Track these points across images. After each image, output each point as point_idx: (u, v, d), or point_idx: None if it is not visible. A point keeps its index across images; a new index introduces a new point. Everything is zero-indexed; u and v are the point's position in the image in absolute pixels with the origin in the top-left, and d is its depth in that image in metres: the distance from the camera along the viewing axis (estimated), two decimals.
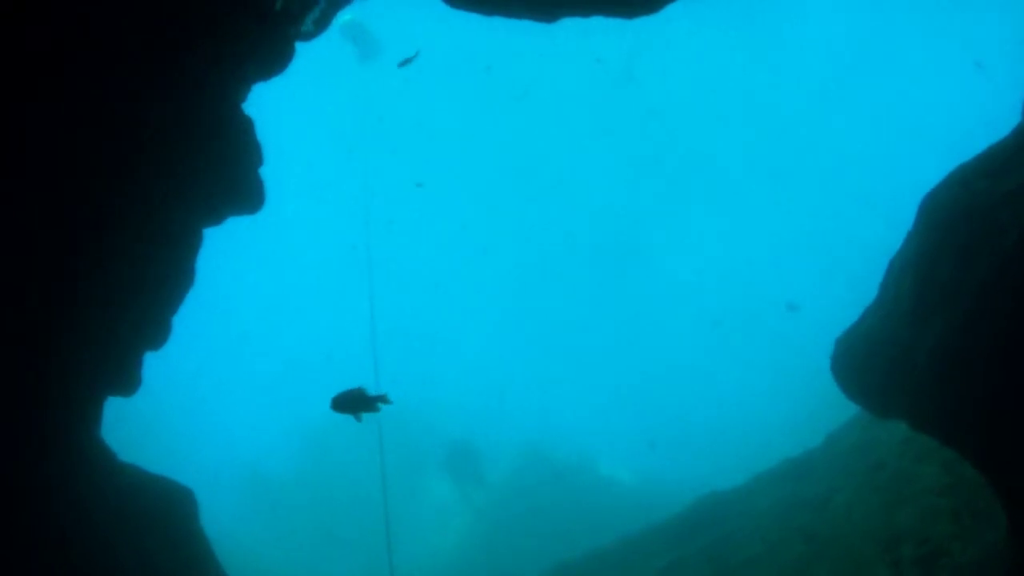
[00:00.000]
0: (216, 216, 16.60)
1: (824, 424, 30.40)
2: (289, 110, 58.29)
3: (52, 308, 13.33)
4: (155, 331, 16.48)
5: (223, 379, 74.32)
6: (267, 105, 20.21)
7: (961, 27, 77.14)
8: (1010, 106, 15.04)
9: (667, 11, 16.36)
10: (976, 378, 13.36)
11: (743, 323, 73.89)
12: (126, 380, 16.70)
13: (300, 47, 16.75)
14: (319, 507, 53.83)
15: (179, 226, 15.67)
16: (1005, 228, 13.10)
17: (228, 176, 15.86)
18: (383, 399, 13.40)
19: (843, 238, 72.79)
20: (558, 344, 78.09)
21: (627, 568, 28.34)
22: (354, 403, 12.48)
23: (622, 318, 79.72)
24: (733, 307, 77.06)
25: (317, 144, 77.06)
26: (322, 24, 17.48)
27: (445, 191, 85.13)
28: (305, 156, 76.62)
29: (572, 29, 19.21)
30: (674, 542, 28.55)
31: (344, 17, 52.31)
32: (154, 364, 18.02)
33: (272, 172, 17.70)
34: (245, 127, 16.33)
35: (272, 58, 15.73)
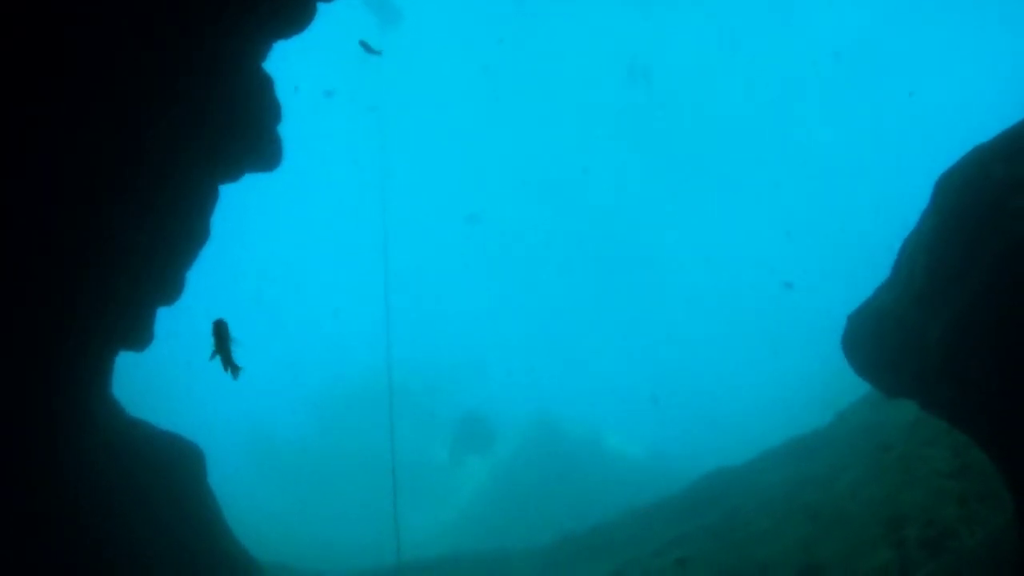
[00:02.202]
0: (233, 172, 16.58)
1: (832, 404, 30.43)
2: (308, 74, 58.39)
3: (67, 259, 13.35)
4: (169, 286, 16.50)
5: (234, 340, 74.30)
6: (287, 67, 20.21)
7: (968, 15, 77.11)
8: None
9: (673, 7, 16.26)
10: (986, 360, 13.32)
11: (751, 303, 73.76)
12: (139, 334, 16.75)
13: (322, 8, 16.65)
14: (327, 473, 54.04)
15: (196, 181, 15.64)
16: (1017, 214, 13.03)
17: (246, 132, 15.82)
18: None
19: (850, 221, 72.67)
20: (568, 320, 78.12)
21: (632, 542, 28.36)
22: (220, 338, 12.02)
23: (631, 295, 79.70)
24: (741, 287, 77.05)
25: (334, 110, 77.01)
26: None
27: (460, 167, 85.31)
28: (323, 121, 76.53)
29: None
30: (680, 517, 28.57)
31: None
32: (167, 322, 18.06)
33: (290, 135, 17.71)
34: (264, 85, 16.30)
35: (293, 15, 15.62)
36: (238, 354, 12.16)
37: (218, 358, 12.22)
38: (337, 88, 68.77)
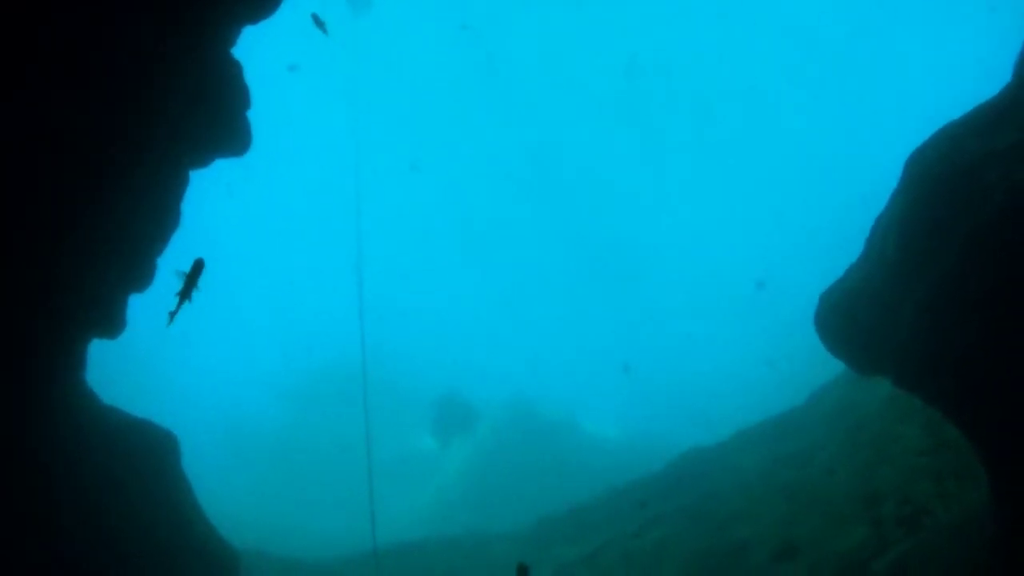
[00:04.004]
0: (203, 158, 16.48)
1: (807, 384, 30.51)
2: (278, 58, 58.13)
3: (38, 246, 13.22)
4: (140, 272, 16.38)
5: (208, 328, 74.21)
6: (256, 52, 20.07)
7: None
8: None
9: None
10: (960, 332, 13.35)
11: (726, 286, 74.02)
12: (111, 321, 16.62)
13: None
14: (304, 460, 53.92)
15: (166, 166, 15.53)
16: (992, 187, 13.05)
17: (216, 118, 15.74)
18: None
19: (826, 203, 72.97)
20: (544, 304, 78.25)
21: (609, 523, 28.41)
22: (194, 276, 11.97)
23: (607, 279, 79.86)
24: (716, 270, 77.32)
25: (306, 94, 76.83)
26: None
27: (433, 153, 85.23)
28: (294, 105, 76.28)
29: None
30: (657, 498, 28.62)
31: None
32: (141, 313, 17.95)
33: (261, 118, 17.60)
34: (233, 70, 16.19)
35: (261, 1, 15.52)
36: (195, 300, 12.19)
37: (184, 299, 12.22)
38: (301, 62, 68.04)
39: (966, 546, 16.20)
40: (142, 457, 17.84)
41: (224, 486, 42.84)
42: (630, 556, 25.08)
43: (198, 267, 12.14)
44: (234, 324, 76.23)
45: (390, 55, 77.29)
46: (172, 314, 12.15)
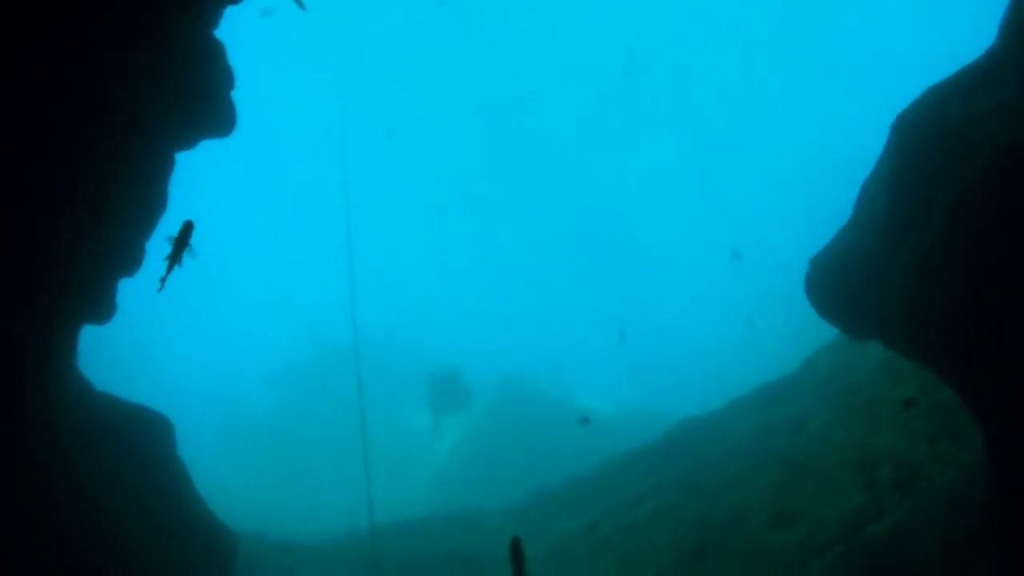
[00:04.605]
0: (189, 140, 16.42)
1: (798, 353, 30.56)
2: (264, 38, 57.90)
3: (25, 232, 13.16)
4: (129, 256, 16.32)
5: (201, 313, 74.23)
6: (241, 32, 20.03)
7: None
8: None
9: None
10: (949, 290, 13.36)
11: (717, 257, 74.05)
12: (100, 306, 16.57)
13: None
14: (301, 442, 54.00)
15: (152, 148, 15.47)
16: (976, 148, 13.05)
17: (199, 99, 15.69)
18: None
19: (814, 171, 73.00)
20: (536, 280, 78.23)
21: (606, 494, 28.46)
22: (184, 238, 11.87)
23: (599, 253, 79.88)
24: (707, 241, 77.37)
25: (293, 71, 76.65)
26: None
27: (424, 126, 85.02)
28: (281, 83, 76.06)
29: None
30: (651, 468, 28.68)
31: None
32: (132, 298, 17.92)
33: (247, 99, 17.56)
34: (216, 51, 16.13)
35: None
36: (185, 263, 12.09)
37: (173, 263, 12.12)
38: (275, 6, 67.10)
39: (962, 508, 16.24)
40: (136, 442, 17.81)
41: (221, 470, 42.94)
42: (627, 526, 25.14)
43: (187, 229, 12.04)
44: (227, 308, 76.28)
45: (375, 34, 77.15)
46: (163, 279, 12.03)
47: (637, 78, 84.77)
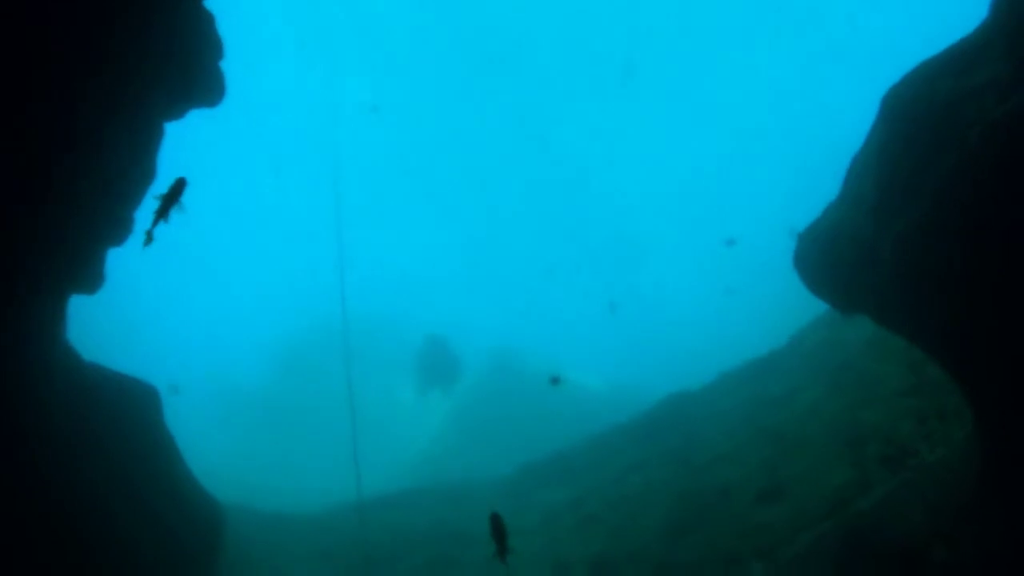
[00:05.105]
0: (177, 110, 16.31)
1: (788, 326, 30.56)
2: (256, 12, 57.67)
3: (11, 200, 13.08)
4: (117, 225, 16.23)
5: (192, 288, 74.24)
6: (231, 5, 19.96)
7: None
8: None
9: None
10: (941, 269, 13.35)
11: (706, 232, 74.09)
12: (88, 276, 16.51)
13: None
14: (288, 415, 54.02)
15: (140, 118, 15.35)
16: (967, 124, 13.02)
17: (187, 68, 15.57)
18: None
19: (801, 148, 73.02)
20: (527, 254, 78.23)
21: (593, 468, 28.51)
22: (174, 194, 11.65)
23: (589, 231, 79.89)
24: (696, 216, 77.43)
25: (284, 45, 76.42)
26: None
27: (415, 101, 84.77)
28: (272, 58, 75.83)
29: None
30: (639, 443, 28.70)
31: None
32: (126, 271, 17.86)
33: (239, 74, 17.49)
34: (205, 20, 16.01)
35: None
36: (173, 220, 11.85)
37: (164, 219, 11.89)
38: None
39: (950, 485, 16.29)
40: (122, 411, 17.76)
41: (211, 444, 42.94)
42: (614, 500, 25.18)
43: (180, 185, 11.81)
44: (218, 282, 76.24)
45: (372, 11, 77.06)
46: (149, 232, 11.75)
47: (630, 63, 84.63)
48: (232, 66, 16.89)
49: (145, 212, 16.60)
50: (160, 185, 16.76)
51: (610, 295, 65.07)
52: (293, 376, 59.81)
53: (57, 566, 14.44)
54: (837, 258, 16.50)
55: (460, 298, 69.86)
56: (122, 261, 17.53)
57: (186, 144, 18.31)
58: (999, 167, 12.34)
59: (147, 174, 16.35)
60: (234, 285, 76.66)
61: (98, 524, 15.46)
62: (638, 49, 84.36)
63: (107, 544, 15.64)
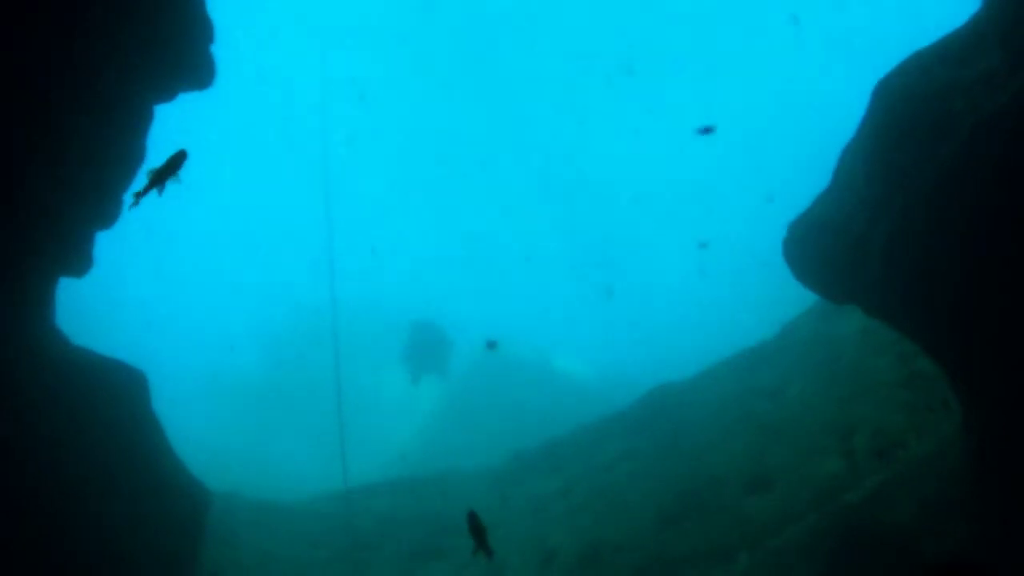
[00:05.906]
0: (167, 92, 16.20)
1: (778, 317, 30.48)
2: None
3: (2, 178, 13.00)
4: (106, 208, 16.13)
5: (181, 273, 74.08)
6: None
7: None
8: None
9: None
10: (933, 263, 13.33)
11: (697, 221, 74.07)
12: (77, 259, 16.41)
13: None
14: (277, 402, 53.94)
15: (128, 99, 15.25)
16: (959, 117, 13.00)
17: (176, 50, 15.45)
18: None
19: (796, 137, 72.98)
20: (516, 243, 78.21)
21: (582, 457, 28.46)
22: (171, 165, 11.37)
23: (578, 218, 79.89)
24: (687, 204, 77.47)
25: (276, 30, 76.25)
26: None
27: (408, 91, 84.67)
28: (261, 45, 75.61)
29: None
30: (628, 432, 28.63)
31: None
32: (114, 256, 17.76)
33: (230, 61, 17.39)
34: (196, 6, 15.89)
35: None
36: (166, 195, 11.52)
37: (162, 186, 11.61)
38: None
39: (939, 477, 16.31)
40: (109, 395, 17.64)
41: (198, 430, 42.80)
42: (603, 489, 25.16)
43: (180, 158, 11.45)
44: (207, 268, 76.02)
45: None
46: (138, 195, 11.30)
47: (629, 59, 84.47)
48: (222, 50, 16.80)
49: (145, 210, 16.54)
50: (152, 163, 16.75)
51: (605, 282, 65.09)
52: (282, 362, 59.71)
53: (39, 544, 14.44)
54: (827, 249, 16.47)
55: (451, 286, 69.74)
56: (110, 246, 17.41)
57: (175, 129, 18.11)
58: (991, 159, 12.33)
59: (136, 156, 16.23)
60: (223, 271, 76.36)
61: (77, 506, 15.39)
62: (636, 44, 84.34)
63: (87, 525, 15.59)
